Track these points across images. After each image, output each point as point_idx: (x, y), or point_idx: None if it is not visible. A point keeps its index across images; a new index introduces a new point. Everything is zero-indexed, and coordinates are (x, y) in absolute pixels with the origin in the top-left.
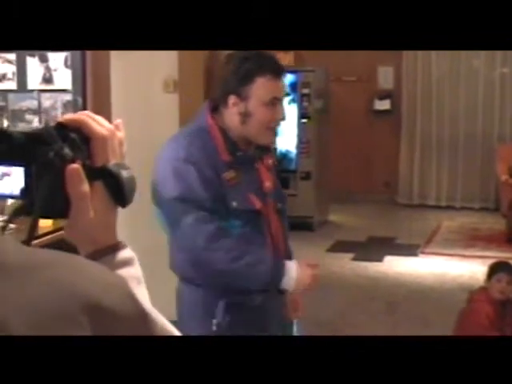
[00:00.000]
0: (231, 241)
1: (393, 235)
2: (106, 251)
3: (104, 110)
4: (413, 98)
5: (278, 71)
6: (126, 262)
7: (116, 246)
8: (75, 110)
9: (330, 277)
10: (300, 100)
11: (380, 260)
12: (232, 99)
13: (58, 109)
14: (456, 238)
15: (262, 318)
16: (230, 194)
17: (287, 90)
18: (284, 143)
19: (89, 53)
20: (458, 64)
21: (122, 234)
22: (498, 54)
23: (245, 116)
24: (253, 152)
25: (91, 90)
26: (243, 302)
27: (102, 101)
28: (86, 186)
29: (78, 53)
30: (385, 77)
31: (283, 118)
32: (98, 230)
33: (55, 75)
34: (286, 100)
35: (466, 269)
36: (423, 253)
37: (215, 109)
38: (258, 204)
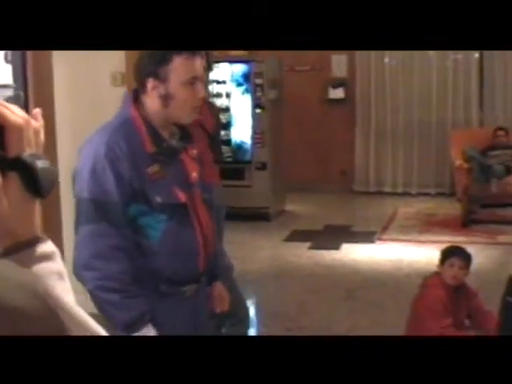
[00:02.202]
0: (114, 267)
1: (349, 223)
2: (24, 245)
3: (47, 105)
4: (367, 86)
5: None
6: (46, 257)
7: (35, 240)
8: (18, 105)
9: (287, 266)
10: (253, 90)
11: (337, 248)
12: (151, 82)
13: None
14: (412, 224)
15: (192, 309)
16: (154, 188)
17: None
18: (238, 134)
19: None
20: (410, 51)
21: None
22: None
23: (166, 98)
24: (177, 143)
25: (33, 85)
26: (173, 294)
27: (44, 95)
28: None
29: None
30: (338, 65)
31: (203, 95)
32: (15, 222)
33: None
34: (239, 90)
35: (422, 254)
36: (380, 239)
37: (137, 99)
38: (182, 197)
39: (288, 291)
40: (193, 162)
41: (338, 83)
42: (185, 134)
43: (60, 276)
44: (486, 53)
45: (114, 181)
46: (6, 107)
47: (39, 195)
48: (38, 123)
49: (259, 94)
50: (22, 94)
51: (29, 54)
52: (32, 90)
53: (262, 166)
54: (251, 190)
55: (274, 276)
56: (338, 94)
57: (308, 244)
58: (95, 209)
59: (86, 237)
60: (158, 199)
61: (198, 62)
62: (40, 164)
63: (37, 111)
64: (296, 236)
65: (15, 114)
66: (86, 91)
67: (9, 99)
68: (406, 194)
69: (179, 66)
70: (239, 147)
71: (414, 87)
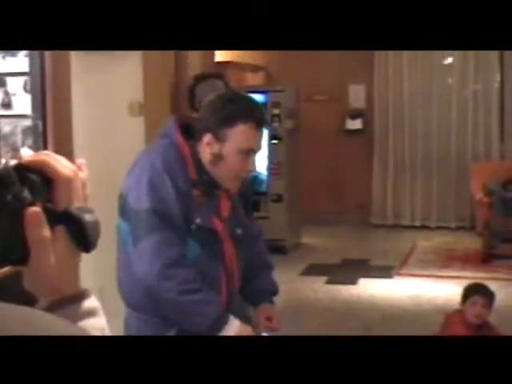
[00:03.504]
0: (188, 271)
1: (367, 257)
2: (69, 301)
3: (65, 135)
4: (385, 117)
5: (261, 122)
6: (90, 313)
7: (79, 296)
8: (35, 136)
9: (304, 301)
10: (270, 121)
11: (354, 283)
12: (207, 138)
13: (17, 134)
14: (431, 258)
15: None
16: (195, 210)
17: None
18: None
19: (49, 76)
20: (430, 81)
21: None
22: (471, 70)
23: (217, 158)
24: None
25: (51, 115)
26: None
27: (63, 125)
28: (46, 231)
29: (37, 76)
30: (356, 95)
31: (254, 170)
32: (60, 278)
33: (14, 100)
34: None
35: (442, 290)
36: (398, 274)
37: (188, 132)
38: (219, 225)
39: (304, 326)
40: (227, 200)
41: (356, 114)
42: None
43: (102, 333)
44: (507, 83)
45: (174, 193)
46: (56, 159)
47: (86, 249)
48: (84, 175)
49: (276, 124)
50: (40, 123)
51: (48, 82)
52: (51, 120)
53: (278, 198)
54: (267, 222)
55: (290, 310)
56: (355, 124)
57: (325, 278)
58: (158, 218)
59: (156, 246)
60: (198, 221)
61: (259, 136)
62: (88, 218)
63: (81, 162)
64: (312, 270)
65: (65, 166)
66: (103, 121)
67: (26, 130)
68: (424, 227)
69: (241, 133)
70: (255, 178)
71: (433, 117)
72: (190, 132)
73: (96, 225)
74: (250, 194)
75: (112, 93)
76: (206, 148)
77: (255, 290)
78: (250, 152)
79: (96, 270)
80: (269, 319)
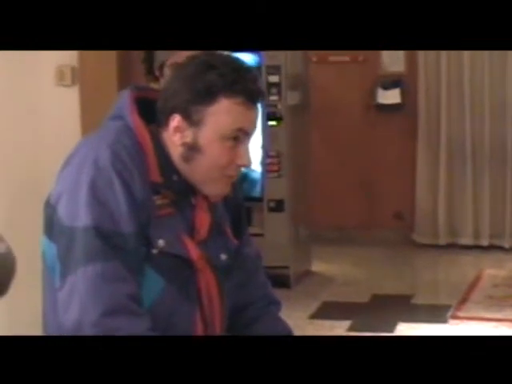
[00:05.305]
0: (138, 322)
1: (409, 292)
2: None
3: None
4: (435, 86)
5: (253, 95)
6: None
7: None
8: None
9: None
10: (266, 93)
11: (390, 330)
12: (176, 121)
13: None
14: (504, 293)
15: None
16: (158, 227)
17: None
18: None
19: None
20: None
21: None
22: None
23: (191, 149)
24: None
25: None
26: None
27: None
28: None
29: None
30: (392, 56)
31: (247, 164)
32: None
33: None
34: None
35: None
36: (456, 317)
37: (147, 112)
38: (193, 250)
39: None
40: (206, 213)
41: (392, 81)
42: None
43: None
44: None
45: (126, 202)
46: None
47: None
48: None
49: (274, 98)
50: None
51: None
52: None
53: (278, 206)
54: (262, 240)
55: None
56: (391, 97)
57: (347, 323)
58: (102, 240)
59: (93, 282)
60: (161, 243)
61: (252, 113)
62: None
63: None
64: (329, 311)
65: None
66: (20, 93)
67: None
68: (494, 247)
69: (225, 111)
70: (244, 178)
71: (508, 88)
72: (151, 111)
73: (8, 258)
74: (242, 202)
75: (33, 55)
76: (175, 136)
77: None
78: (242, 136)
79: (12, 313)
80: None
